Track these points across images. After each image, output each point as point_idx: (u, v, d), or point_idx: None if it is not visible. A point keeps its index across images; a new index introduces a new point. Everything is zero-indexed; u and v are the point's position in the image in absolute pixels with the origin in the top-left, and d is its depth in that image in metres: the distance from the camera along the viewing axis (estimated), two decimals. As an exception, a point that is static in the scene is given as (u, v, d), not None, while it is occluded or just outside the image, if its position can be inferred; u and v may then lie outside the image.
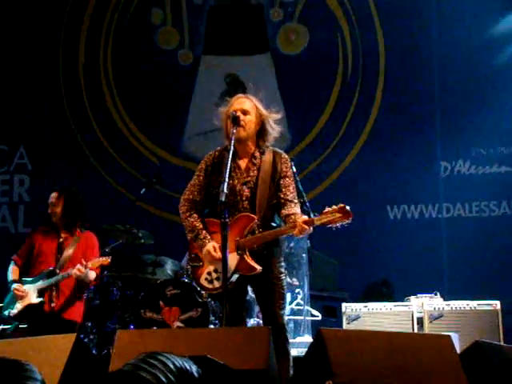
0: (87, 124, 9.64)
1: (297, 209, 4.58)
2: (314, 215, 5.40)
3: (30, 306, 5.93)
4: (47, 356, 3.26)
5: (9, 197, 9.70)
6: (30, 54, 9.67)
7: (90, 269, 5.92)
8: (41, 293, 5.94)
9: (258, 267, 4.46)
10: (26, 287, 5.97)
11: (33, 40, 9.66)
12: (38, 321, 5.87)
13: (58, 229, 6.22)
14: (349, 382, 3.16)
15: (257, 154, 4.67)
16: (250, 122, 4.60)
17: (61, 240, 6.18)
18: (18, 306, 5.97)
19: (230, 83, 9.48)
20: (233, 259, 4.42)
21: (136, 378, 2.64)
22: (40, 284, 5.96)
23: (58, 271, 5.99)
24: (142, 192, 7.49)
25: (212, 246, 4.54)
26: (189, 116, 9.60)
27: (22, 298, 5.94)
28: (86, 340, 6.66)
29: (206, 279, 4.61)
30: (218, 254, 4.46)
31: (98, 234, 6.50)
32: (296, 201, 4.65)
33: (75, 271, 5.82)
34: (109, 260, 5.95)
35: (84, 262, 5.85)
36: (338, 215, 4.27)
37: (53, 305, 5.96)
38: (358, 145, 9.18)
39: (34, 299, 5.93)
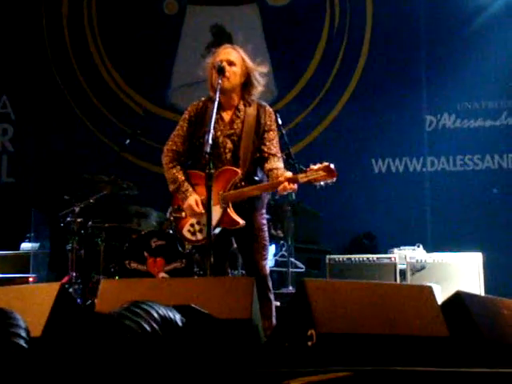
0: (71, 74, 9.53)
1: (280, 163, 4.55)
2: (300, 168, 5.39)
3: None
4: (31, 304, 3.27)
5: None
6: (12, 4, 9.51)
7: None
8: None
9: (242, 221, 4.44)
10: None
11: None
12: None
13: None
14: (331, 331, 3.19)
15: (241, 106, 4.61)
16: (235, 73, 4.53)
17: None
18: None
19: (216, 34, 9.36)
20: (216, 212, 4.39)
21: (120, 326, 2.68)
22: None
23: None
24: (126, 143, 7.45)
25: (194, 199, 4.50)
26: (174, 67, 9.50)
27: None
28: (70, 290, 6.68)
29: (188, 231, 4.60)
30: (200, 209, 4.45)
31: (80, 184, 6.46)
32: (279, 155, 4.63)
33: None
34: None
35: None
36: (323, 173, 4.20)
37: None
38: (344, 98, 9.15)
39: None
